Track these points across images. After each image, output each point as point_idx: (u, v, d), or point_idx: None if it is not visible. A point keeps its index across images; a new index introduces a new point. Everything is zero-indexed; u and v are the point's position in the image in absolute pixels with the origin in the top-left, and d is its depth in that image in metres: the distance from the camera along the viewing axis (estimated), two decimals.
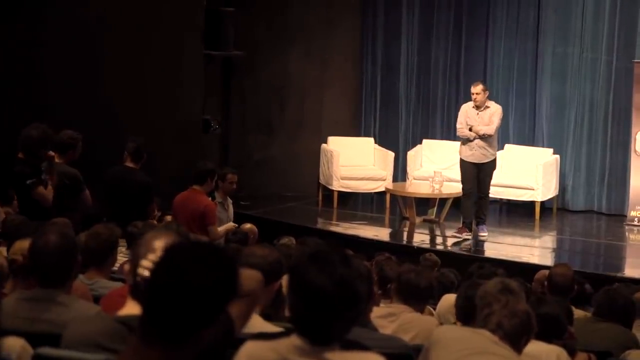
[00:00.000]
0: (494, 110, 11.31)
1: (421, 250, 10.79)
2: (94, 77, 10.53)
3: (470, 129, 11.23)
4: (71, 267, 4.15)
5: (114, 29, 10.69)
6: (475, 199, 11.56)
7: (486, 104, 11.30)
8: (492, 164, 11.44)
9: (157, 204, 8.91)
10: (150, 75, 11.07)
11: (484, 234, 11.62)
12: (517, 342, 3.79)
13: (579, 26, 13.41)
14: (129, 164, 8.76)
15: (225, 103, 14.01)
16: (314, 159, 14.07)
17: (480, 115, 11.28)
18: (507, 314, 3.79)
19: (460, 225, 11.75)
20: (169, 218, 9.61)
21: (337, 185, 13.60)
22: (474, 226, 11.66)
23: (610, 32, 13.21)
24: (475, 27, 14.10)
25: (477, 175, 11.37)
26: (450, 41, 14.25)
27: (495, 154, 11.48)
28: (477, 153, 11.30)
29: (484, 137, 11.21)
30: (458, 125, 11.48)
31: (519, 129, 13.96)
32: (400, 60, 14.46)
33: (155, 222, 8.29)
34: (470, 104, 11.43)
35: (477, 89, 11.33)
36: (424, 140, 14.02)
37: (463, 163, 11.46)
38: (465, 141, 11.35)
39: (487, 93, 11.42)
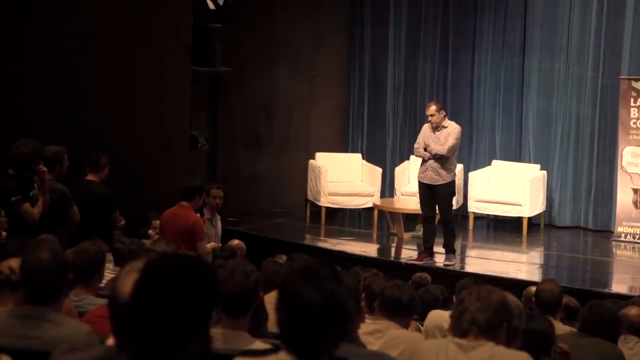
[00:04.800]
0: (451, 131, 10.78)
1: (409, 267, 10.80)
2: (80, 94, 10.51)
3: (425, 149, 10.81)
4: (63, 284, 4.13)
5: (101, 44, 10.68)
6: (440, 223, 11.12)
7: (443, 124, 10.79)
8: (445, 188, 10.79)
9: (118, 213, 8.94)
10: (137, 91, 11.07)
11: (449, 262, 11.00)
12: (495, 332, 3.70)
13: (565, 42, 13.48)
14: (88, 177, 8.82)
15: (212, 119, 14.01)
16: (301, 175, 14.08)
17: (437, 135, 10.78)
18: (480, 307, 3.69)
19: (421, 251, 11.31)
20: (152, 233, 9.64)
21: (324, 201, 13.61)
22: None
23: (596, 48, 13.27)
24: (461, 42, 14.15)
25: (434, 198, 10.85)
26: (437, 57, 14.30)
27: (451, 177, 10.83)
28: (429, 174, 10.77)
29: (437, 158, 10.70)
30: (415, 145, 11.04)
31: (506, 145, 14.00)
32: (387, 76, 14.51)
33: (146, 240, 8.33)
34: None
35: (430, 109, 10.85)
36: (412, 156, 14.02)
37: (419, 184, 11.00)
38: (422, 161, 10.90)
39: (444, 113, 10.87)
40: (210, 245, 9.02)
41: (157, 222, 9.61)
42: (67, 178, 8.33)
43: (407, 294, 5.41)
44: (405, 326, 5.42)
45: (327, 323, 2.58)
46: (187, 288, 2.38)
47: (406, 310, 5.42)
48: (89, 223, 8.26)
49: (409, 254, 11.84)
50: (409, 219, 12.84)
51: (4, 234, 7.03)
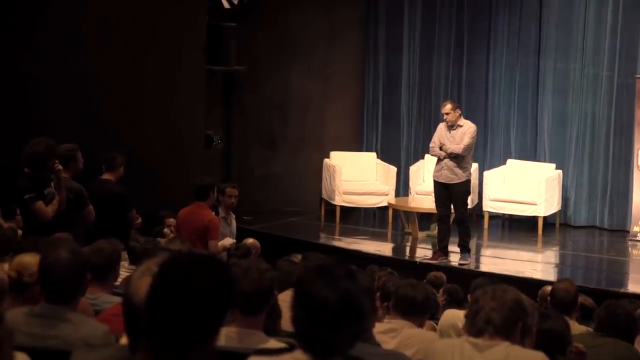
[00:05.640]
0: (466, 130, 10.79)
1: (424, 266, 10.79)
2: (94, 93, 10.54)
3: (440, 148, 10.82)
4: (80, 284, 4.13)
5: (116, 43, 10.71)
6: (455, 222, 11.11)
7: (459, 123, 10.80)
8: (461, 187, 10.81)
9: (135, 211, 8.98)
10: (152, 91, 11.10)
11: (464, 262, 11.02)
12: (511, 331, 3.68)
13: (581, 42, 13.43)
14: (104, 176, 8.86)
15: (227, 118, 14.03)
16: (316, 174, 14.08)
17: (452, 134, 10.79)
18: (495, 306, 3.67)
19: (436, 250, 11.34)
20: (168, 231, 9.66)
21: (339, 200, 13.60)
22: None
23: (611, 47, 13.22)
24: (476, 42, 14.11)
25: (449, 197, 10.86)
26: (452, 56, 14.26)
27: (467, 176, 10.84)
28: (445, 173, 10.77)
29: (453, 157, 10.70)
30: (430, 144, 11.05)
31: (521, 144, 13.96)
32: (402, 76, 14.48)
33: (160, 239, 8.35)
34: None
35: (445, 108, 10.86)
36: (426, 155, 13.99)
37: (434, 183, 11.01)
38: (438, 160, 10.91)
39: (459, 112, 10.88)
40: (226, 240, 9.03)
41: (170, 221, 9.64)
42: (81, 177, 8.35)
43: (422, 293, 5.40)
44: (420, 325, 5.42)
45: (342, 322, 2.58)
46: (202, 287, 2.39)
47: (421, 310, 5.41)
48: (104, 222, 8.28)
49: (423, 253, 11.84)
50: (424, 218, 12.83)
51: (19, 232, 7.05)
